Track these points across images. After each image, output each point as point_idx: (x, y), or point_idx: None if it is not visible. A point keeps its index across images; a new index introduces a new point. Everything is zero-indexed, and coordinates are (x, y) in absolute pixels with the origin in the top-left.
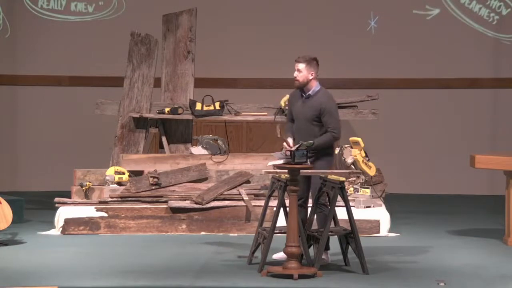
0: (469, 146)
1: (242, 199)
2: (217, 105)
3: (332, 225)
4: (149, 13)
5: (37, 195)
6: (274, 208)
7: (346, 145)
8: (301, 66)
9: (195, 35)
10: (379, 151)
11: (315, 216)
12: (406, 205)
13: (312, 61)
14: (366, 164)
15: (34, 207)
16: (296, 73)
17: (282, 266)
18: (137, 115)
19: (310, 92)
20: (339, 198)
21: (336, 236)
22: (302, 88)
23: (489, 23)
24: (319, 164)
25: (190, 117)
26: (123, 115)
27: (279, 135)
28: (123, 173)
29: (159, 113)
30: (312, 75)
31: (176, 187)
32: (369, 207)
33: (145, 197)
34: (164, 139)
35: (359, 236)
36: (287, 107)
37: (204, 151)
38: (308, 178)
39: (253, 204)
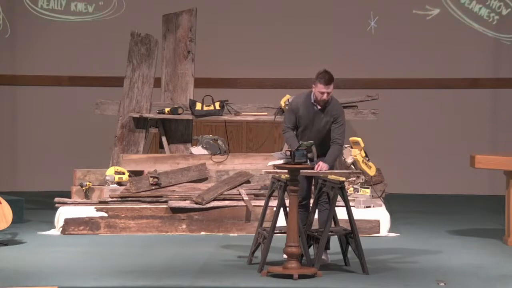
0: (469, 146)
1: (242, 199)
2: (217, 105)
3: (332, 225)
4: (149, 13)
5: (37, 195)
6: (274, 208)
7: (346, 145)
8: (331, 88)
9: (195, 35)
10: (379, 151)
11: (318, 215)
12: (406, 205)
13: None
14: (366, 164)
15: (34, 207)
16: (325, 95)
17: (282, 266)
18: (137, 115)
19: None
20: (339, 198)
21: (336, 236)
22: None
23: (489, 23)
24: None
25: (190, 117)
26: (123, 115)
27: None
28: (123, 173)
29: (159, 113)
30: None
31: (176, 187)
32: (369, 207)
33: (145, 197)
34: (164, 139)
35: (359, 236)
36: (287, 113)
37: (204, 151)
38: (309, 178)
39: (253, 204)
